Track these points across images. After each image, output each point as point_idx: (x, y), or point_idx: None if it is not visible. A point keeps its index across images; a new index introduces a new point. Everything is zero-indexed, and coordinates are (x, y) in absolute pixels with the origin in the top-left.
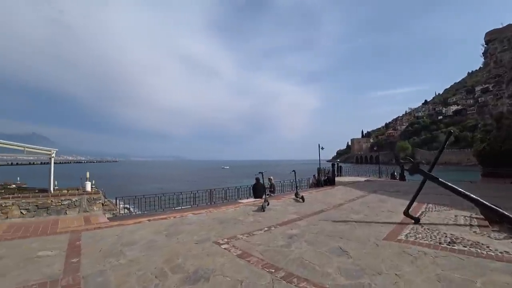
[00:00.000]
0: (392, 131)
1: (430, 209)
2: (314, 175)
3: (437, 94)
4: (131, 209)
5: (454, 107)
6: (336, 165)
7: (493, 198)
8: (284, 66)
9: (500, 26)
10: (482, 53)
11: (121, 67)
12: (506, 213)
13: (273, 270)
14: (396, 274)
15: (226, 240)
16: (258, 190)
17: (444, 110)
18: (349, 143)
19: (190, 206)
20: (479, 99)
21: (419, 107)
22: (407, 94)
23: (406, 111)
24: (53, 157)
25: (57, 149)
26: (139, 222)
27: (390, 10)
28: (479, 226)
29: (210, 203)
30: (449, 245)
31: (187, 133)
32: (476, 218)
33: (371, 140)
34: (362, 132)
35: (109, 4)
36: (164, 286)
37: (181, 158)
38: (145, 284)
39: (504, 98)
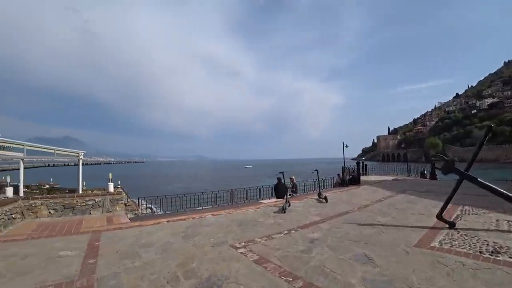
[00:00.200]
0: (421, 127)
1: (467, 212)
2: (338, 174)
3: (469, 86)
4: (154, 208)
5: (489, 100)
6: (361, 164)
7: None
8: (306, 63)
9: None
10: None
11: (146, 71)
12: None
13: (291, 279)
14: None
15: (243, 243)
16: (279, 190)
17: (478, 103)
18: (375, 141)
19: (211, 206)
20: None
21: (449, 101)
22: (436, 88)
23: (435, 106)
24: (80, 158)
25: (85, 151)
26: (158, 223)
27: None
28: None
29: (231, 203)
30: (492, 255)
31: (209, 133)
32: None
33: (398, 137)
34: (389, 128)
35: (132, 10)
36: None
37: (204, 158)
38: None
39: None
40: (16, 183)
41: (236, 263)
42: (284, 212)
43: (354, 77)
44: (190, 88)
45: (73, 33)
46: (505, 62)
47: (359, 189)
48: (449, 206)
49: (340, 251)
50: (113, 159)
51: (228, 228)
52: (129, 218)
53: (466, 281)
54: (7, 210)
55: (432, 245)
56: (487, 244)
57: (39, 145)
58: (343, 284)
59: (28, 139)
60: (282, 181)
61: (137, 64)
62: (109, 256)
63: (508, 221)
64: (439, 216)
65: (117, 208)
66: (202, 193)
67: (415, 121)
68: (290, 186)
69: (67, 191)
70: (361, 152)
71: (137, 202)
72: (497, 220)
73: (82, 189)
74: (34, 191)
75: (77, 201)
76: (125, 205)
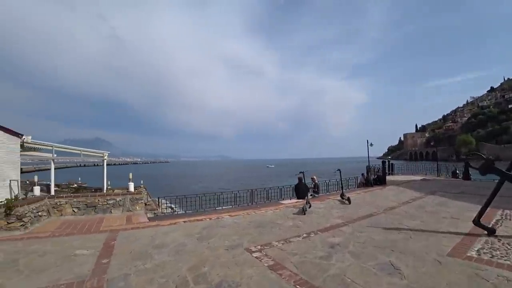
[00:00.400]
0: (451, 123)
1: (508, 217)
2: (362, 174)
3: (506, 79)
4: (174, 208)
5: None
6: (387, 163)
7: None
8: (329, 61)
9: None
10: None
11: (171, 73)
12: None
13: None
14: None
15: (259, 247)
16: (300, 190)
17: None
18: (402, 139)
19: (230, 206)
20: None
21: (483, 95)
22: (467, 82)
23: (467, 101)
24: (105, 159)
25: (109, 152)
26: (174, 223)
27: None
28: None
29: (251, 203)
30: None
31: (232, 133)
32: None
33: (427, 135)
34: (416, 126)
35: (155, 15)
36: None
37: (227, 158)
38: None
39: None
40: (48, 182)
41: (250, 269)
42: (304, 214)
43: (379, 74)
44: (212, 88)
45: (102, 40)
46: None
47: (384, 190)
48: (487, 210)
49: (363, 259)
50: (139, 159)
51: (245, 230)
52: (148, 218)
53: None
54: (34, 208)
55: (468, 254)
56: None
57: (66, 146)
58: None
59: (64, 140)
60: (303, 181)
61: (163, 67)
62: (122, 256)
63: None
64: (477, 221)
65: (137, 207)
66: (222, 193)
67: (444, 118)
68: (312, 186)
69: (93, 190)
70: (387, 150)
71: (157, 202)
72: None
73: (106, 188)
74: (64, 189)
75: (98, 200)
76: (145, 204)
